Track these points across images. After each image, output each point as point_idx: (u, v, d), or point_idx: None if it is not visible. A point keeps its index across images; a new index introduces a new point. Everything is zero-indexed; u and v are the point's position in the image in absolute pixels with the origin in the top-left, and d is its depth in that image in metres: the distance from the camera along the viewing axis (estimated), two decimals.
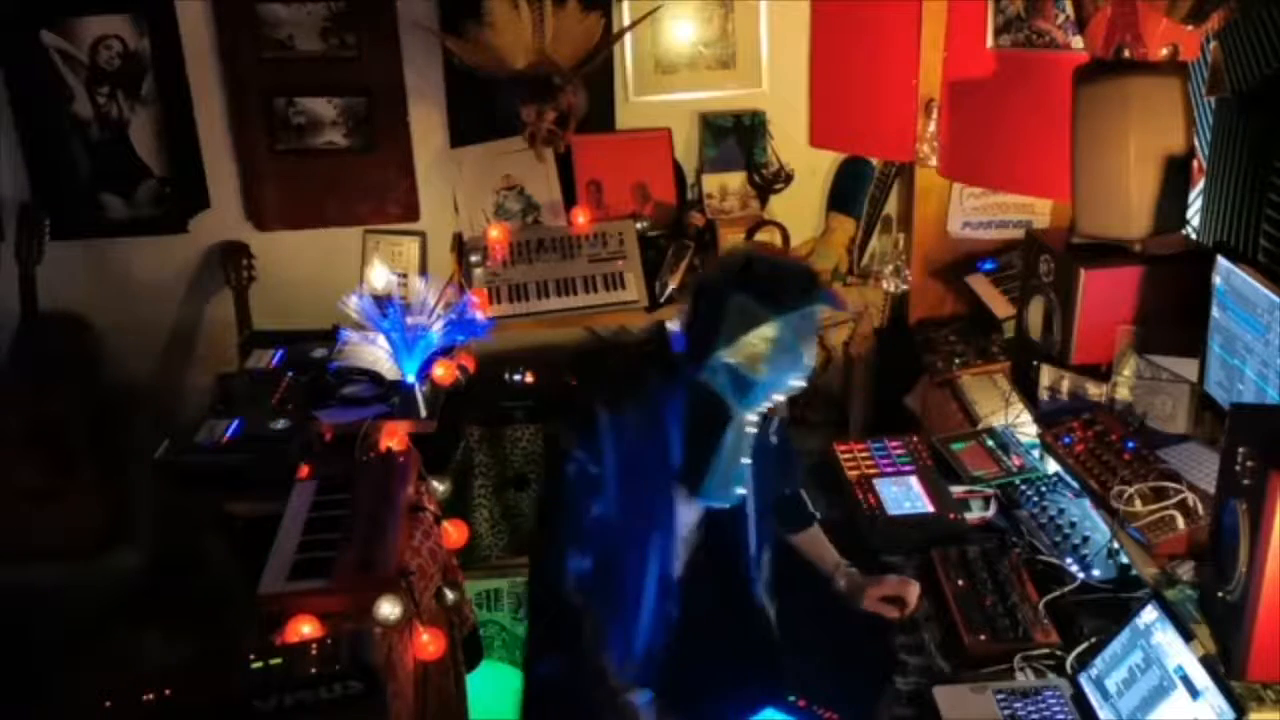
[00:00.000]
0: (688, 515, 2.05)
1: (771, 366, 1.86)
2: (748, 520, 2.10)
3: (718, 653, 2.09)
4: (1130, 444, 2.30)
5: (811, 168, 3.62)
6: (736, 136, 3.55)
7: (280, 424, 2.71)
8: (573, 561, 1.92)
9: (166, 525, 3.35)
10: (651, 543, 1.97)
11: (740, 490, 2.00)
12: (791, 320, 1.84)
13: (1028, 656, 1.93)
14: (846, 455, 2.57)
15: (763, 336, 1.83)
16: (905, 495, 2.39)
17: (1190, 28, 2.31)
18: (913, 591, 2.13)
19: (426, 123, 3.50)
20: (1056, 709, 1.80)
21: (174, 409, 3.49)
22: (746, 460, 1.97)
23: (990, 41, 3.06)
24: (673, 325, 2.01)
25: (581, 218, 3.46)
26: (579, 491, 1.91)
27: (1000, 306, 3.14)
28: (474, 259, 3.36)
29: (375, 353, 2.88)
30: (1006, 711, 1.80)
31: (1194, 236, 2.74)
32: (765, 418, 2.02)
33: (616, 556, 1.95)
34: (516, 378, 3.31)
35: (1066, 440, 2.43)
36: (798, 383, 1.91)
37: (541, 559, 2.09)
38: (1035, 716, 1.79)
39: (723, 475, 1.95)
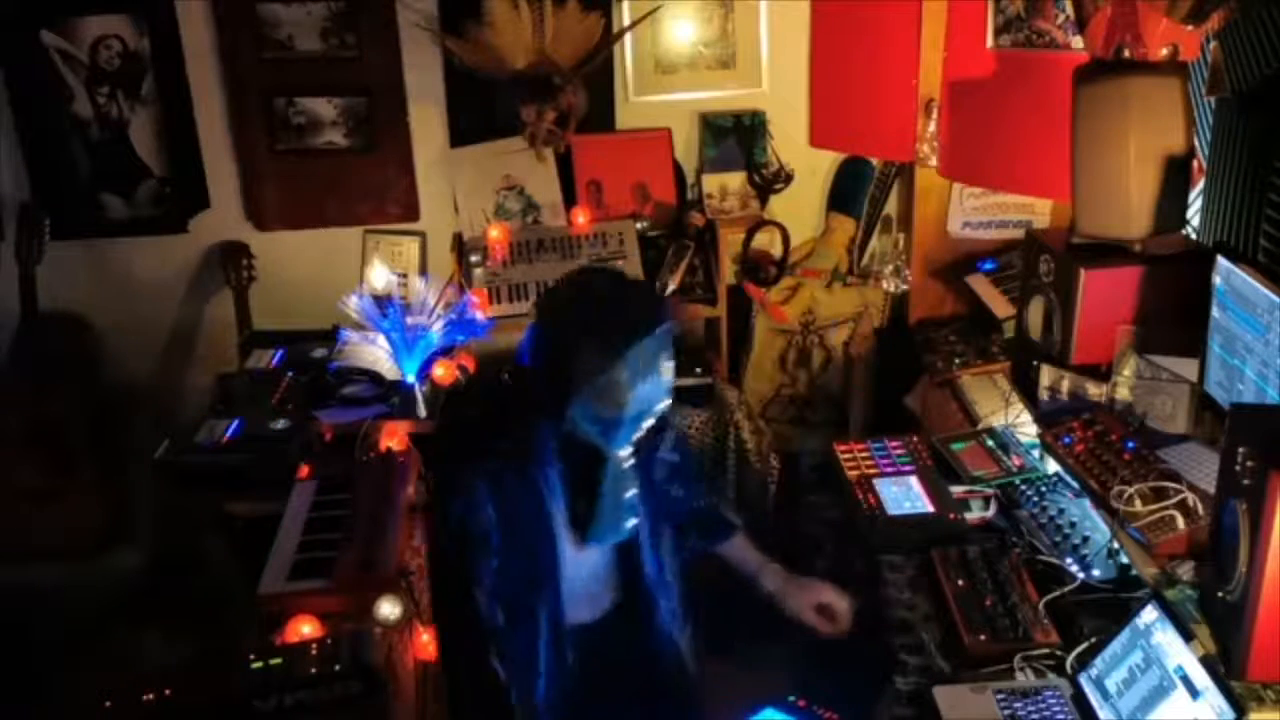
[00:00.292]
0: (585, 559, 1.99)
1: (633, 400, 1.80)
2: (641, 548, 2.04)
3: (623, 694, 2.05)
4: (1130, 444, 2.30)
5: (811, 168, 3.62)
6: (736, 136, 3.56)
7: (280, 424, 2.72)
8: (486, 619, 1.88)
9: (166, 525, 3.35)
10: (540, 595, 1.91)
11: (632, 522, 1.95)
12: (643, 349, 1.78)
13: (1028, 656, 1.93)
14: (846, 455, 2.56)
15: (617, 379, 1.77)
16: (905, 495, 2.39)
17: (1190, 28, 2.31)
18: (845, 608, 2.07)
19: (426, 123, 3.51)
20: (1056, 709, 1.80)
21: (174, 409, 3.49)
22: (632, 491, 1.93)
23: (990, 41, 3.06)
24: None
25: (581, 218, 3.46)
26: (469, 545, 1.87)
27: (1000, 306, 3.14)
28: (474, 259, 3.37)
29: (375, 353, 2.89)
30: (1006, 711, 1.80)
31: (1194, 236, 2.74)
32: (652, 437, 1.97)
33: (509, 610, 1.90)
34: None
35: (1066, 440, 2.43)
36: (663, 405, 1.87)
37: (453, 625, 1.99)
38: (1035, 716, 1.79)
39: (610, 515, 1.91)
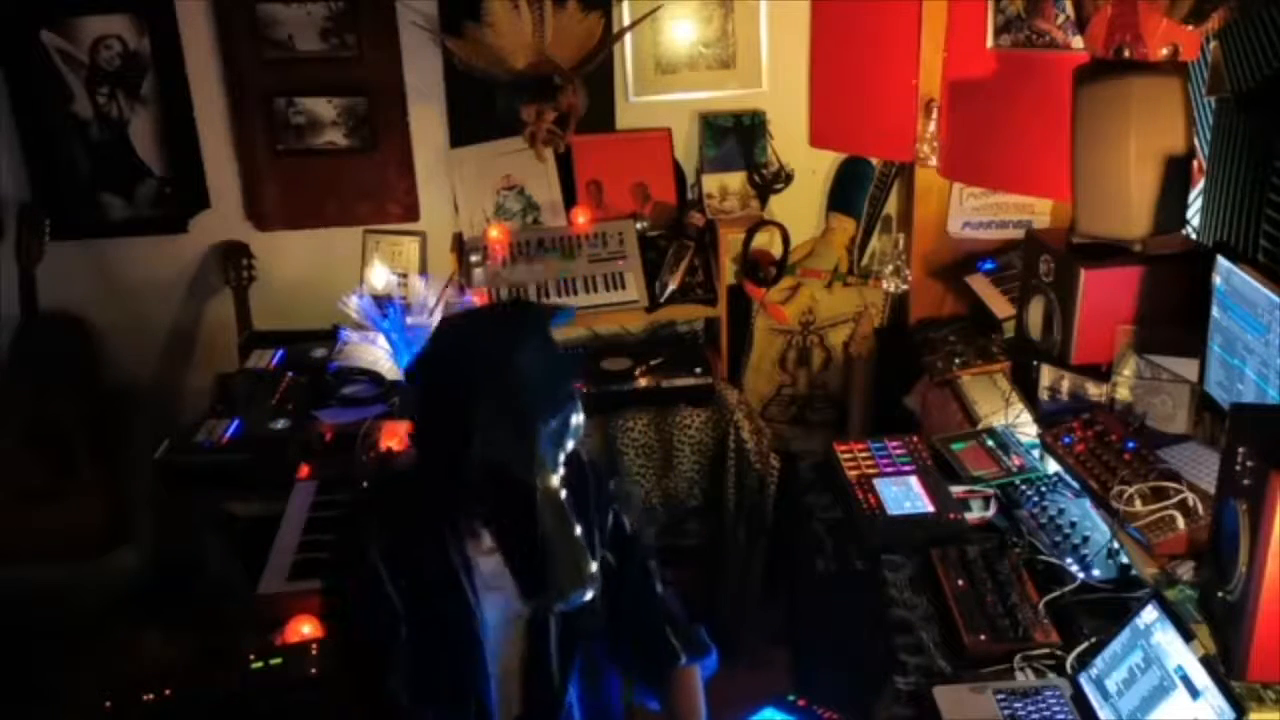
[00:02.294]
0: (505, 640, 1.73)
1: (546, 436, 1.56)
2: (549, 638, 1.74)
3: None
4: (1130, 444, 2.30)
5: (811, 168, 3.62)
6: (736, 136, 3.55)
7: (280, 424, 2.72)
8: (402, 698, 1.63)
9: (166, 525, 3.35)
10: (465, 674, 1.68)
11: (593, 568, 1.61)
12: (558, 417, 1.56)
13: (1028, 656, 1.93)
14: (846, 455, 2.56)
15: (530, 440, 1.54)
16: (905, 495, 2.39)
17: (1190, 28, 2.31)
18: None
19: (426, 123, 3.50)
20: (1056, 709, 1.80)
21: (174, 409, 3.49)
22: (578, 530, 1.60)
23: (990, 41, 3.06)
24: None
25: (581, 218, 3.46)
26: (384, 641, 1.63)
27: (1000, 306, 3.14)
28: (474, 259, 3.37)
29: (375, 353, 2.89)
30: (1006, 711, 1.80)
31: (1194, 236, 2.74)
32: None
33: (432, 702, 1.67)
34: None
35: (1066, 440, 2.43)
36: (578, 419, 1.61)
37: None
38: (1035, 716, 1.79)
39: (566, 560, 1.58)
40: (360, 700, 1.67)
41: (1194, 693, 1.64)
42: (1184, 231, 2.63)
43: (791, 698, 1.90)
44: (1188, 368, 2.39)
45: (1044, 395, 2.59)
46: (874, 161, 3.56)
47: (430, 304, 2.88)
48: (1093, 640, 1.92)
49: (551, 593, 1.59)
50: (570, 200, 3.51)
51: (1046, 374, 2.61)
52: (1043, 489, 2.38)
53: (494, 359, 1.55)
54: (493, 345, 1.57)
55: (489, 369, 1.54)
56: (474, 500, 1.60)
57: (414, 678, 1.64)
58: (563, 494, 1.60)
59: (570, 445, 1.61)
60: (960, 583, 2.10)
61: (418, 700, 1.65)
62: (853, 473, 2.48)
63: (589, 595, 1.61)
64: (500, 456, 1.54)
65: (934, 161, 3.27)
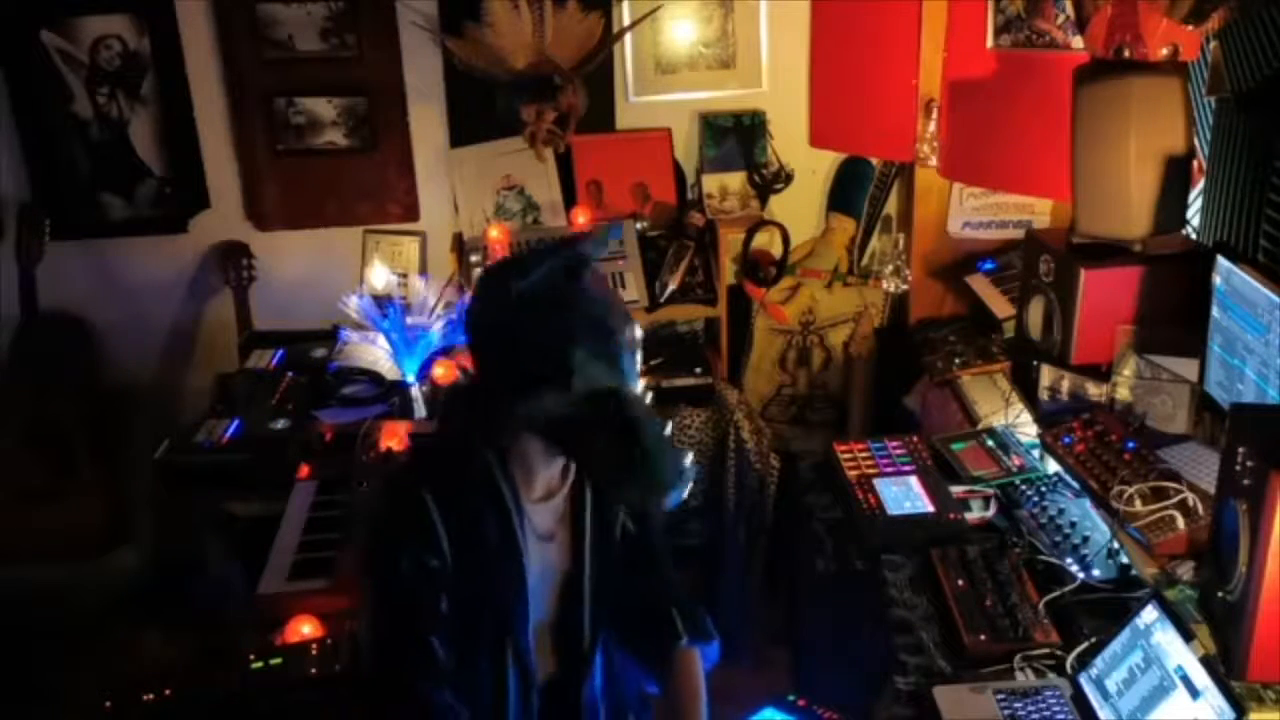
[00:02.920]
0: (544, 592, 1.73)
1: (627, 349, 1.59)
2: (583, 597, 1.75)
3: None
4: (1130, 444, 2.30)
5: (811, 168, 3.62)
6: (736, 136, 3.56)
7: (280, 424, 2.72)
8: (437, 667, 1.59)
9: (166, 525, 3.35)
10: (505, 624, 1.67)
11: (689, 460, 1.66)
12: (629, 327, 1.60)
13: (1028, 656, 1.93)
14: (846, 455, 2.56)
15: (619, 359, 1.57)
16: (905, 495, 2.39)
17: (1190, 28, 2.31)
18: None
19: (426, 123, 3.51)
20: (1056, 709, 1.80)
21: (174, 409, 3.49)
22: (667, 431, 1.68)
23: (990, 41, 3.06)
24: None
25: (581, 218, 3.46)
26: (424, 588, 1.60)
27: (1000, 306, 3.14)
28: (474, 259, 3.36)
29: (375, 353, 2.89)
30: (1006, 711, 1.80)
31: (1194, 236, 2.74)
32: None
33: (471, 650, 1.66)
34: None
35: (1066, 440, 2.43)
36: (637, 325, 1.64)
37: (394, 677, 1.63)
38: (1035, 716, 1.79)
39: (668, 457, 1.63)
40: (392, 649, 1.63)
41: (1194, 693, 1.64)
42: (1184, 231, 2.63)
43: (791, 698, 1.90)
44: (1188, 368, 2.39)
45: (1044, 395, 2.59)
46: (874, 161, 3.56)
47: (430, 304, 2.88)
48: (1093, 640, 1.92)
49: (663, 489, 1.63)
50: (570, 200, 3.51)
51: (1046, 374, 2.61)
52: (1043, 489, 2.38)
53: (572, 298, 1.56)
54: (566, 287, 1.57)
55: (574, 311, 1.55)
56: (566, 430, 1.59)
57: (457, 628, 1.63)
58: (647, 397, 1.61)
59: (640, 353, 1.64)
60: (960, 583, 2.10)
61: (457, 656, 1.63)
62: (853, 473, 2.48)
63: (688, 489, 1.66)
64: (600, 383, 1.55)
65: (934, 161, 3.27)
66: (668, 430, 1.67)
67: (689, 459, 1.70)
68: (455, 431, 1.70)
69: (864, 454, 2.56)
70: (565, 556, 1.73)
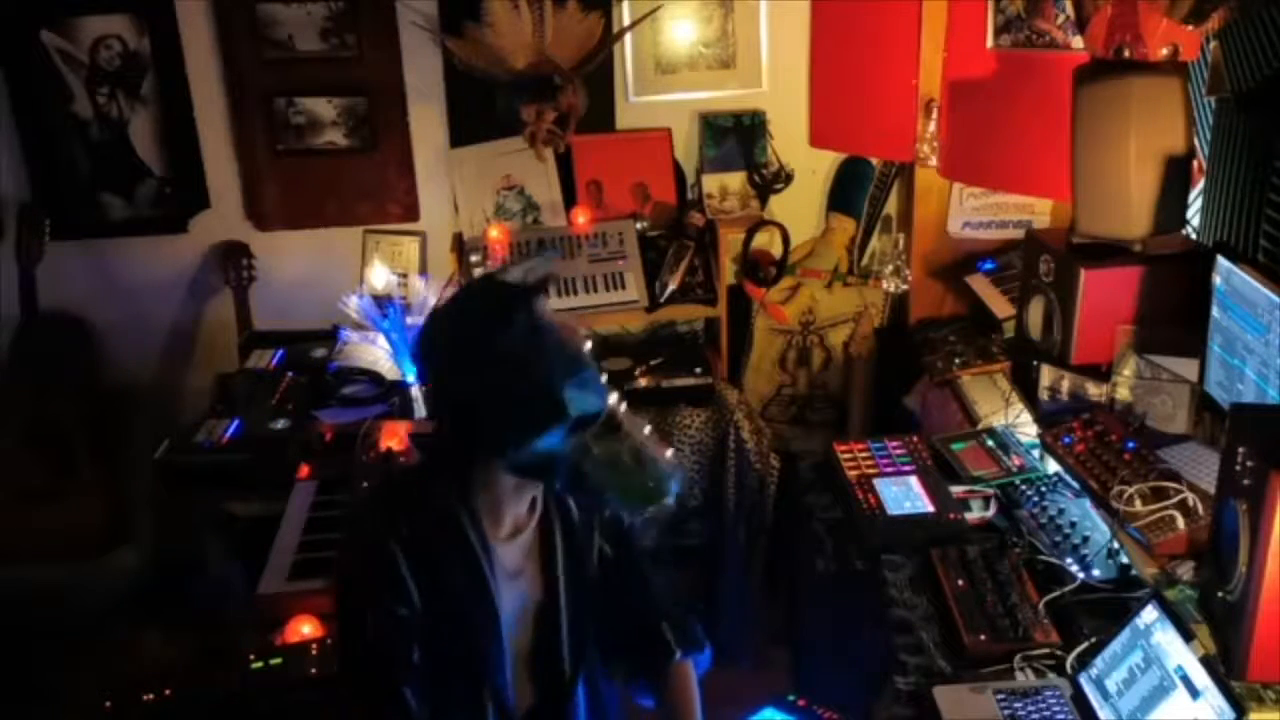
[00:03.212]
0: (517, 621, 1.71)
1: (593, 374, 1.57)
2: (559, 626, 1.72)
3: None
4: (1130, 444, 2.30)
5: (811, 168, 3.62)
6: (736, 136, 3.55)
7: (280, 424, 2.72)
8: (410, 717, 1.57)
9: (166, 525, 3.35)
10: (481, 665, 1.66)
11: (670, 455, 1.65)
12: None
13: (1028, 656, 1.93)
14: (846, 455, 2.56)
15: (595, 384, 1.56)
16: (905, 495, 2.39)
17: (1190, 28, 2.31)
18: None
19: (426, 123, 3.51)
20: (1056, 709, 1.80)
21: (174, 409, 3.49)
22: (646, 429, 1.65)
23: (990, 41, 3.06)
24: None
25: (581, 218, 3.46)
26: (395, 638, 1.58)
27: (1000, 306, 3.14)
28: (474, 259, 3.36)
29: (375, 353, 2.89)
30: (1006, 711, 1.80)
31: (1194, 236, 2.74)
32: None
33: (446, 696, 1.64)
34: None
35: (1066, 440, 2.43)
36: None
37: None
38: (1035, 716, 1.79)
39: (657, 460, 1.63)
40: (363, 700, 1.62)
41: (1194, 693, 1.64)
42: (1184, 231, 2.63)
43: (791, 698, 1.90)
44: (1188, 368, 2.39)
45: (1044, 395, 2.59)
46: (874, 161, 3.56)
47: (430, 304, 2.88)
48: (1093, 640, 1.92)
49: (661, 491, 1.63)
50: (570, 200, 3.51)
51: (1046, 374, 2.61)
52: (1043, 489, 2.38)
53: (540, 341, 1.53)
54: (531, 334, 1.53)
55: (547, 353, 1.53)
56: (553, 462, 1.57)
57: (431, 674, 1.61)
58: (622, 407, 1.62)
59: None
60: (960, 583, 2.10)
61: (432, 702, 1.61)
62: (853, 473, 2.48)
63: (678, 486, 1.65)
64: (592, 409, 1.55)
65: (934, 161, 3.27)
66: (648, 430, 1.65)
67: (671, 456, 1.68)
68: (427, 487, 1.66)
69: (864, 454, 2.56)
70: (537, 588, 1.72)
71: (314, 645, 1.87)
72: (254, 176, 3.50)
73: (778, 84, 3.56)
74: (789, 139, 3.58)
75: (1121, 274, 2.52)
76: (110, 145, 3.43)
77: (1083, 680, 1.85)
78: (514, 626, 1.70)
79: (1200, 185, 2.71)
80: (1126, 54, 2.36)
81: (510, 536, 1.68)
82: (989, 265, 3.30)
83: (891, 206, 3.59)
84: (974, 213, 3.39)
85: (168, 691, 1.73)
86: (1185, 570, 2.01)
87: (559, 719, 1.76)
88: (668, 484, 1.64)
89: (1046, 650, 1.94)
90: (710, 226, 3.45)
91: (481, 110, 3.38)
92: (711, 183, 3.57)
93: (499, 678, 1.67)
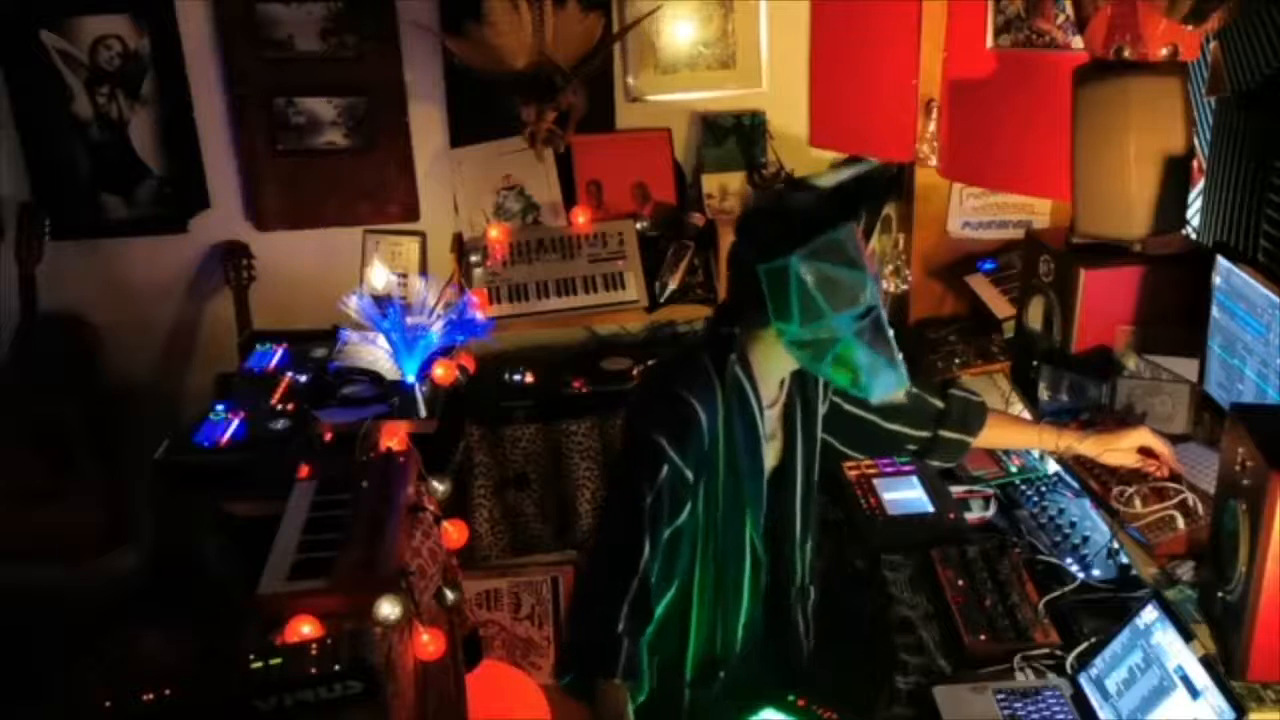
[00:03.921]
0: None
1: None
2: (794, 495, 2.04)
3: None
4: None
5: (811, 168, 3.62)
6: (736, 136, 3.55)
7: (280, 424, 2.72)
8: (643, 606, 1.78)
9: (166, 525, 3.35)
10: (752, 505, 1.95)
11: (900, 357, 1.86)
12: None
13: (1028, 656, 1.93)
14: None
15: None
16: (905, 495, 2.39)
17: (1190, 28, 2.31)
18: (1167, 450, 2.17)
19: (426, 123, 3.51)
20: (1056, 709, 1.80)
21: (174, 409, 3.49)
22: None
23: (990, 41, 3.06)
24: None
25: (581, 218, 3.46)
26: (669, 503, 1.83)
27: (1000, 306, 3.14)
28: (474, 259, 3.37)
29: (375, 353, 2.89)
30: (1006, 711, 1.80)
31: (1194, 236, 2.74)
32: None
33: (714, 553, 1.93)
34: (516, 378, 3.31)
35: None
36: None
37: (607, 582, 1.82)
38: (1035, 716, 1.79)
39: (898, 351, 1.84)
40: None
41: (1194, 693, 1.64)
42: (1184, 231, 2.63)
43: (791, 698, 1.90)
44: (1188, 368, 2.39)
45: (1044, 395, 2.59)
46: (874, 161, 3.55)
47: (430, 304, 2.88)
48: (1093, 640, 1.92)
49: (900, 382, 1.86)
50: (570, 200, 3.51)
51: (1046, 374, 2.60)
52: (1043, 489, 2.38)
53: (845, 247, 1.78)
54: (815, 218, 1.79)
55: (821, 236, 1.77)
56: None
57: (704, 525, 1.91)
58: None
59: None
60: (960, 583, 2.10)
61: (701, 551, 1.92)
62: (853, 473, 2.48)
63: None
64: (873, 303, 1.81)
65: (934, 161, 3.27)
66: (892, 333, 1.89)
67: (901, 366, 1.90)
68: (717, 356, 1.91)
69: None
70: (777, 455, 2.02)
71: (314, 645, 1.87)
72: (254, 176, 3.51)
73: (778, 84, 3.56)
74: (789, 139, 3.58)
75: (1121, 274, 2.52)
76: (110, 145, 3.44)
77: (1083, 680, 1.85)
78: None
79: (1200, 185, 2.71)
80: (1126, 54, 2.36)
81: (770, 405, 1.97)
82: (989, 265, 3.30)
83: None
84: (974, 212, 3.39)
85: (168, 691, 1.73)
86: (1185, 570, 2.01)
87: (787, 571, 2.06)
88: (905, 380, 1.87)
89: (1046, 650, 1.94)
90: (710, 226, 3.44)
91: (481, 110, 3.38)
92: (711, 183, 3.57)
93: (759, 525, 1.98)
